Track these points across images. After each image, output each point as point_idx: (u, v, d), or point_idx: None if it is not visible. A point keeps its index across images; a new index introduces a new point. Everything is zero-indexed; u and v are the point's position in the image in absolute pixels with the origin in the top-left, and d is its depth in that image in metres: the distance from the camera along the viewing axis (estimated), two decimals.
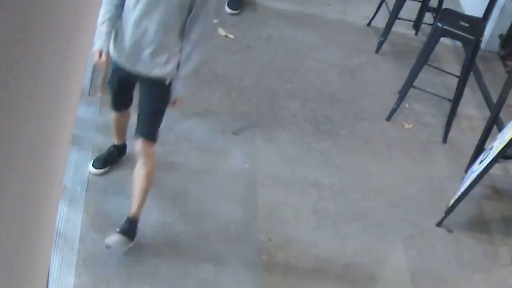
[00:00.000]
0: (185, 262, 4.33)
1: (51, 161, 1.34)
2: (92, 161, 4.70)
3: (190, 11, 3.96)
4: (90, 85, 5.20)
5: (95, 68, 5.16)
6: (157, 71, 4.06)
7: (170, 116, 5.28)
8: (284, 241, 4.62)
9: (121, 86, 4.28)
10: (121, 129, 4.63)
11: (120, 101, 4.41)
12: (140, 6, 3.94)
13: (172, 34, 4.00)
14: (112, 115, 4.55)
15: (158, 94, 4.16)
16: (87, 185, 4.61)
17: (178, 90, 4.11)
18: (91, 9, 1.32)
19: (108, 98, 5.05)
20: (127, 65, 4.09)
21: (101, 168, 4.66)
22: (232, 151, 5.15)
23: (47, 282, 3.59)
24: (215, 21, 4.01)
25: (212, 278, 4.30)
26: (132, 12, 3.96)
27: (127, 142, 4.73)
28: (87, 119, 5.02)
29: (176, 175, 4.87)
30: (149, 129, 4.20)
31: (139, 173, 4.14)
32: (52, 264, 4.04)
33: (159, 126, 4.23)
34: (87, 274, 4.12)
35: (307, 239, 4.68)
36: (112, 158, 4.73)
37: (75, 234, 4.29)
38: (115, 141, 4.71)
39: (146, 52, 4.03)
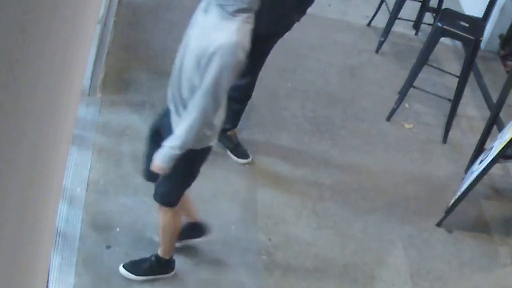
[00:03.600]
0: (185, 262, 4.33)
1: (51, 161, 1.34)
2: None
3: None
4: (90, 85, 5.20)
5: (95, 68, 5.16)
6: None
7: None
8: (284, 241, 4.62)
9: None
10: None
11: None
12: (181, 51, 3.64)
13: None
14: None
15: None
16: (87, 185, 4.61)
17: (156, 155, 3.66)
18: (91, 9, 1.32)
19: (107, 98, 5.05)
20: None
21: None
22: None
23: (47, 282, 3.60)
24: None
25: (212, 278, 4.30)
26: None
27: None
28: (87, 119, 5.01)
29: None
30: (158, 193, 3.96)
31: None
32: (52, 264, 4.03)
33: (170, 193, 3.94)
34: (87, 274, 4.12)
35: (307, 239, 4.68)
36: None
37: (75, 234, 4.29)
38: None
39: (173, 111, 3.74)
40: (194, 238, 4.41)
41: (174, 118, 3.71)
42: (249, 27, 3.48)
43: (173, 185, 3.92)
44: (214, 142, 3.82)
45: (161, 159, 3.63)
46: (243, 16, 3.43)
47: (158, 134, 3.83)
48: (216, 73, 3.41)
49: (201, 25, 3.55)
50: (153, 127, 3.97)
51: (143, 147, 4.06)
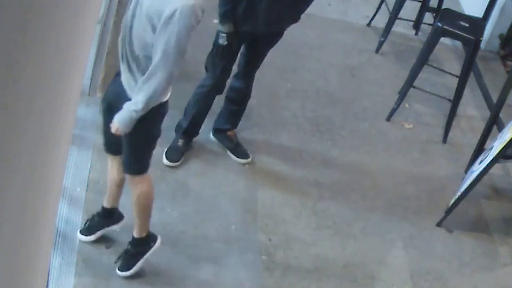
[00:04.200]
0: (185, 262, 4.33)
1: (51, 161, 1.34)
2: None
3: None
4: (90, 85, 5.20)
5: (95, 68, 5.16)
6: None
7: (170, 116, 5.28)
8: (284, 241, 4.62)
9: None
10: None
11: None
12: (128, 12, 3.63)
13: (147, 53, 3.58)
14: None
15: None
16: (87, 185, 4.61)
17: (116, 118, 3.66)
18: (92, 9, 1.32)
19: None
20: None
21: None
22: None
23: (47, 282, 3.60)
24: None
25: (212, 278, 4.30)
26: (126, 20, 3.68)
27: None
28: (87, 119, 5.01)
29: (176, 175, 4.87)
30: (127, 165, 3.93)
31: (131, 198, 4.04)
32: (52, 264, 4.03)
33: (139, 160, 3.91)
34: (87, 274, 4.12)
35: (307, 239, 4.68)
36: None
37: (75, 234, 4.29)
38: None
39: (124, 68, 3.71)
40: (113, 224, 4.30)
41: (125, 75, 3.70)
42: None
43: (139, 151, 3.90)
44: (168, 96, 3.79)
45: (122, 121, 3.63)
46: None
47: (111, 107, 3.83)
48: (178, 36, 3.46)
49: None
50: (105, 100, 3.98)
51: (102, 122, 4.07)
